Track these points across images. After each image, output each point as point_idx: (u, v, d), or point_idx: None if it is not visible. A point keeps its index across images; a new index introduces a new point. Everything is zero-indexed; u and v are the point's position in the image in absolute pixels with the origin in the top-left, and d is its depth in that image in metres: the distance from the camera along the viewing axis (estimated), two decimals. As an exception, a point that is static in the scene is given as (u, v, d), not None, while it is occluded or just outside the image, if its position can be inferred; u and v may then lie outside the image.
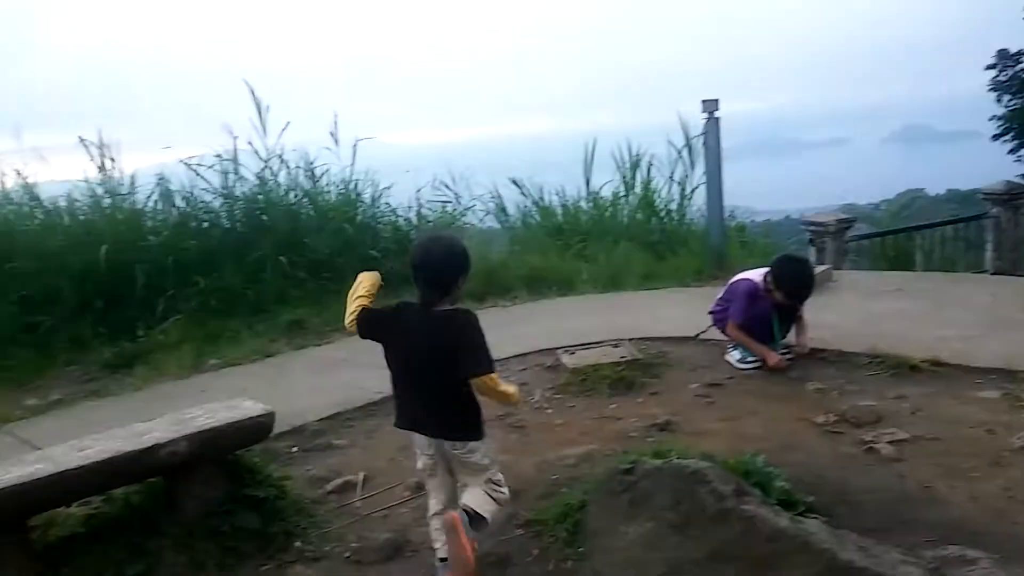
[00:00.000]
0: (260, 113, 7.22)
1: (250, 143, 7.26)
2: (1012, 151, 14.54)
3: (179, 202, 7.18)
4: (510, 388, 2.62)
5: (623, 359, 4.58)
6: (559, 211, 9.11)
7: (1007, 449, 3.19)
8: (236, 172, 7.18)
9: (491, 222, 9.45)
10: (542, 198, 9.22)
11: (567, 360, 4.66)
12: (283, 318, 6.22)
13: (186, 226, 6.93)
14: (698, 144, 7.83)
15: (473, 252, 2.65)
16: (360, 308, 2.67)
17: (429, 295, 2.58)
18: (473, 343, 2.53)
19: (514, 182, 9.17)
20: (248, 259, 6.64)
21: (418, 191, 8.12)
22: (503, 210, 9.31)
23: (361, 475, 3.54)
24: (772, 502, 2.56)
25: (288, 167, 7.40)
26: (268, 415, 3.14)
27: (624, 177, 9.02)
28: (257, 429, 3.12)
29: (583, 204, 9.13)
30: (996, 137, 14.72)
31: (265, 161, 7.27)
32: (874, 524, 2.67)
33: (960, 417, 3.56)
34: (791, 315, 4.59)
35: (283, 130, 7.38)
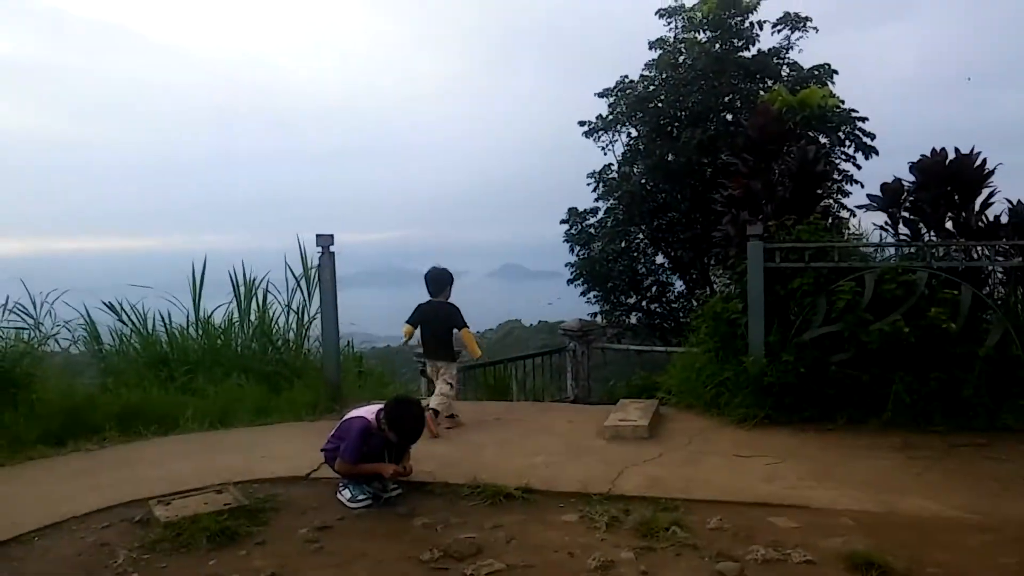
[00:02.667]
0: None
1: None
2: (583, 293, 17.16)
3: None
4: (477, 347, 6.54)
5: (227, 506, 4.25)
6: (164, 339, 8.37)
7: (584, 571, 3.54)
8: None
9: (81, 350, 8.35)
10: (144, 324, 8.41)
11: (160, 512, 4.17)
12: None
13: None
14: (315, 274, 7.88)
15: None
16: (406, 325, 6.45)
17: (434, 294, 6.47)
18: (457, 317, 6.39)
19: (110, 306, 8.25)
20: None
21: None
22: (96, 337, 8.29)
23: None
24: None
25: None
26: None
27: (239, 303, 8.66)
28: None
29: (192, 331, 8.52)
30: (570, 281, 17.29)
31: None
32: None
33: (547, 542, 3.89)
34: (402, 451, 4.70)
35: None
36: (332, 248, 7.15)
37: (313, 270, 8.17)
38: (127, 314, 8.26)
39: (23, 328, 7.28)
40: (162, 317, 8.40)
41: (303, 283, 8.60)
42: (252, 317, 8.62)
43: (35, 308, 7.50)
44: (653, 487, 4.62)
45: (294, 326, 8.65)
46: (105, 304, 8.25)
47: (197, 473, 4.93)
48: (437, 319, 6.42)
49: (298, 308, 8.62)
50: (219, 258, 9.04)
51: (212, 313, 8.58)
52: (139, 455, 5.60)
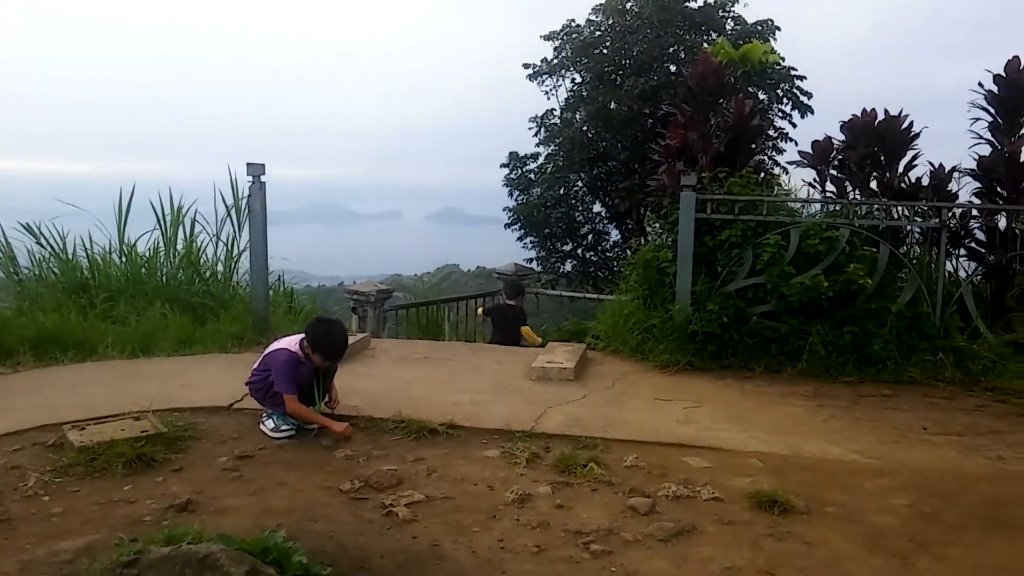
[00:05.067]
0: None
1: None
2: (519, 239, 17.23)
3: None
4: (537, 337, 8.17)
5: (144, 433, 4.18)
6: (85, 264, 8.08)
7: (502, 503, 3.62)
8: None
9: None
10: (64, 248, 8.10)
11: (74, 437, 4.08)
12: None
13: None
14: (246, 204, 7.69)
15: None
16: (481, 310, 9.22)
17: (509, 297, 8.69)
18: (522, 318, 8.41)
19: (28, 228, 7.91)
20: None
21: None
22: (12, 259, 7.96)
23: None
24: (289, 579, 2.53)
25: None
26: None
27: (164, 231, 8.40)
28: None
29: (115, 258, 8.24)
30: (507, 226, 17.31)
31: None
32: (387, 587, 2.80)
33: (467, 476, 3.96)
34: (328, 377, 4.69)
35: None
36: (263, 178, 6.97)
37: (244, 200, 7.95)
38: (46, 237, 7.94)
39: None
40: (84, 242, 8.10)
41: (233, 213, 8.38)
42: (179, 247, 8.39)
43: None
44: (574, 426, 4.73)
45: (223, 258, 8.46)
46: (22, 225, 7.91)
47: (114, 400, 4.82)
48: (507, 320, 8.41)
49: (227, 240, 8.43)
50: (150, 186, 8.72)
51: (136, 241, 8.32)
52: (54, 380, 5.46)
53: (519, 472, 4.02)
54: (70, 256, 8.02)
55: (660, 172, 7.11)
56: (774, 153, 15.11)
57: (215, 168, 8.69)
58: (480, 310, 9.36)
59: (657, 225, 7.62)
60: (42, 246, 7.95)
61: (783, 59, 15.28)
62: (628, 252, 16.26)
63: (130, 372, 5.75)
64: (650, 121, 14.78)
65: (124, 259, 8.16)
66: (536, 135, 17.37)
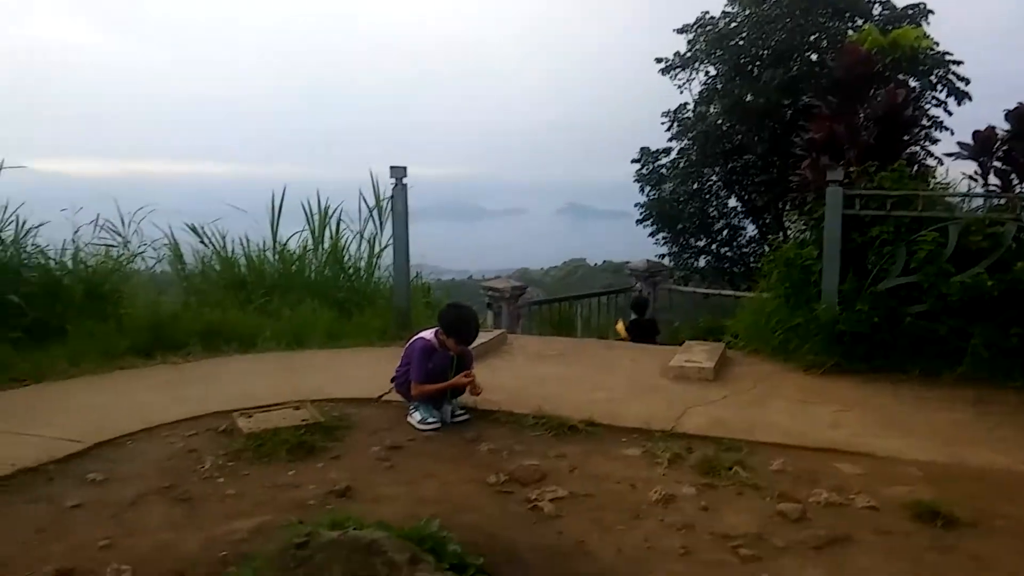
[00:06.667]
0: None
1: None
2: (651, 234, 16.99)
3: None
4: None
5: (304, 422, 4.46)
6: (242, 262, 8.68)
7: (646, 503, 3.62)
8: None
9: (164, 269, 8.74)
10: (224, 247, 8.73)
11: (243, 424, 4.41)
12: None
13: None
14: (388, 204, 8.01)
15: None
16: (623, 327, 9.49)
17: (639, 315, 9.67)
18: (656, 329, 9.72)
19: (193, 228, 8.57)
20: None
21: (76, 231, 7.24)
22: (179, 257, 8.66)
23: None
24: (445, 567, 2.64)
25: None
26: None
27: (313, 231, 8.89)
28: None
29: (269, 256, 8.80)
30: (639, 222, 17.11)
31: None
32: (536, 580, 2.86)
33: (609, 474, 3.98)
34: (465, 365, 4.83)
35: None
36: (405, 180, 7.25)
37: (386, 201, 8.29)
38: (208, 237, 8.58)
39: (112, 245, 7.65)
40: (241, 241, 8.70)
41: (375, 214, 8.76)
42: (325, 245, 8.85)
43: (123, 226, 7.86)
44: (716, 427, 4.65)
45: (365, 255, 8.86)
46: (188, 226, 8.58)
47: (276, 390, 5.16)
48: (646, 332, 9.27)
49: (370, 238, 8.81)
50: (297, 187, 9.27)
51: (288, 240, 8.85)
52: (221, 370, 5.91)
53: (661, 472, 4.01)
54: (230, 254, 8.64)
55: (803, 167, 6.84)
56: (928, 144, 14.15)
57: (355, 171, 9.11)
58: (620, 326, 9.74)
59: (799, 221, 7.33)
60: (205, 245, 8.60)
61: (936, 44, 14.29)
62: (766, 248, 15.74)
63: (287, 364, 6.13)
64: (789, 113, 14.23)
65: (277, 257, 8.70)
66: (669, 129, 17.09)
